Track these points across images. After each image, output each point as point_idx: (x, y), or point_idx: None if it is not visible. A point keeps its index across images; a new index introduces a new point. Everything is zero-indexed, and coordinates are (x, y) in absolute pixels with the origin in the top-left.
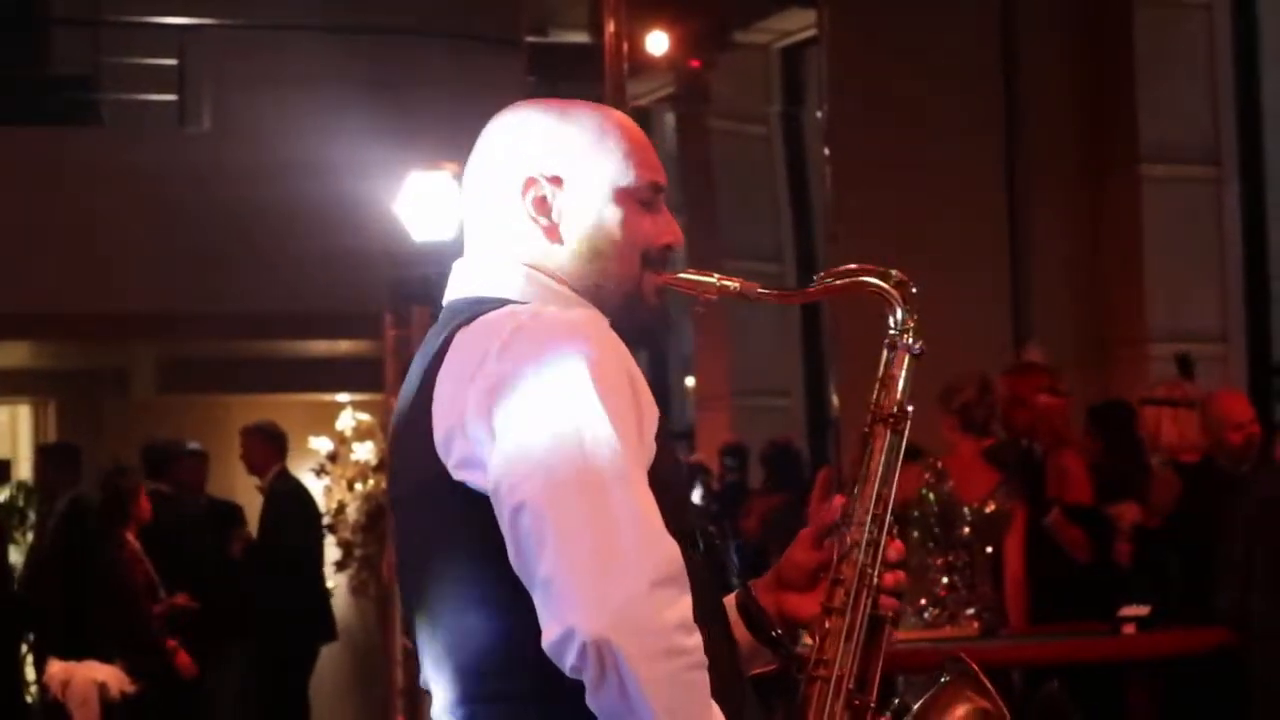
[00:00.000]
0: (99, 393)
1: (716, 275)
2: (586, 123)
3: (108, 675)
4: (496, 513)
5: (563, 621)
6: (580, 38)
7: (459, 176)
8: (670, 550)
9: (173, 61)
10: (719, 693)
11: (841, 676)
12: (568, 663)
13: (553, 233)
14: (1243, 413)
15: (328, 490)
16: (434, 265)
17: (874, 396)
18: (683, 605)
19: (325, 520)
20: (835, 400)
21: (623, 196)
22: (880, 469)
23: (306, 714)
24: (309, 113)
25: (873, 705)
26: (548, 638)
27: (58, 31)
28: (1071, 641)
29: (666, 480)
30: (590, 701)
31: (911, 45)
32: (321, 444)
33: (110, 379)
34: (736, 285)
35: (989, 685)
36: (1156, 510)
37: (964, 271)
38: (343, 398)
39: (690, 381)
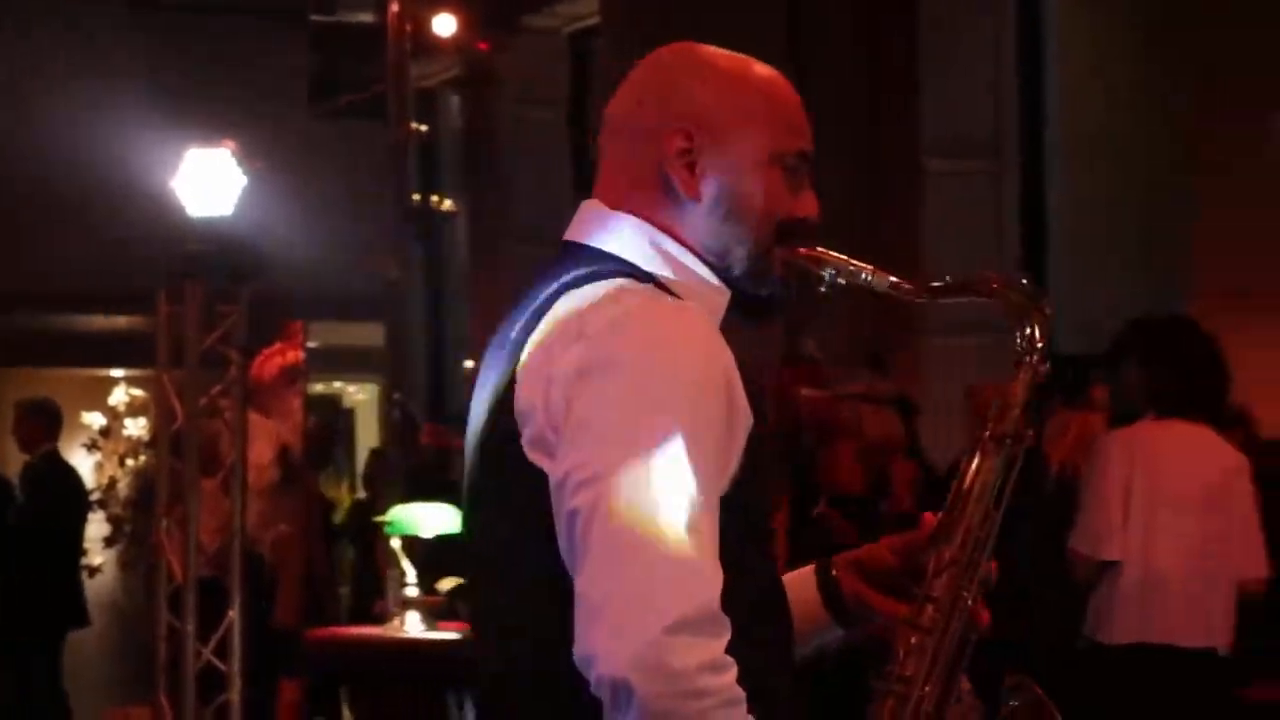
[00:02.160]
0: None
1: (851, 260)
2: (746, 79)
3: None
4: (554, 503)
5: (586, 645)
6: (366, 17)
7: (238, 153)
8: (706, 593)
9: None
10: (770, 686)
11: (921, 698)
12: (590, 682)
13: (691, 188)
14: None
15: (99, 466)
16: (210, 242)
17: (991, 412)
18: (709, 648)
19: (96, 496)
20: None
21: (770, 162)
22: (987, 489)
23: (63, 698)
24: (88, 89)
25: None
26: (577, 650)
27: None
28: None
29: (744, 501)
30: None
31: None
32: (94, 419)
33: None
34: (868, 270)
35: (1050, 704)
36: (898, 500)
37: None
38: (117, 373)
39: (468, 364)
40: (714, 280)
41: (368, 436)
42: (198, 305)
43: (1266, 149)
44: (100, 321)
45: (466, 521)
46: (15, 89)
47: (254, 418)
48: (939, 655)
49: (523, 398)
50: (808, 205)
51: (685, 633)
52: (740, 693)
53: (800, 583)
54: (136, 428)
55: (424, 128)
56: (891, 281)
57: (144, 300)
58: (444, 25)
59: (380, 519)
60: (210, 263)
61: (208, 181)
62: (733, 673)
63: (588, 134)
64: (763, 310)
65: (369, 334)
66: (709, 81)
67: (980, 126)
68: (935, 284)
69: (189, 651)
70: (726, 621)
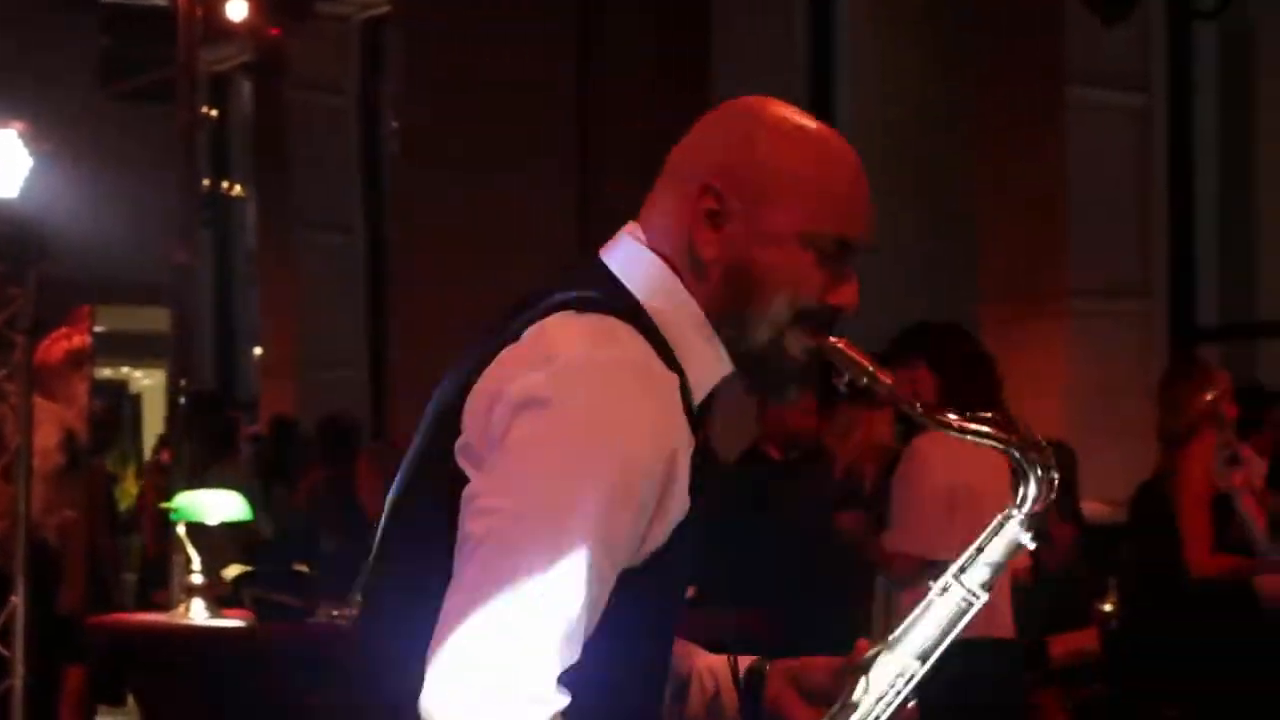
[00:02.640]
0: None
1: (872, 366)
2: (804, 149)
3: None
4: (460, 512)
5: (427, 661)
6: (158, 1)
7: (25, 134)
8: (543, 678)
9: None
10: None
11: None
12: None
13: (707, 249)
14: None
15: None
16: None
17: (964, 556)
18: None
19: None
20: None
21: (801, 241)
22: (931, 632)
23: None
24: None
25: None
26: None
27: None
28: None
29: (658, 580)
30: None
31: (486, 28)
32: None
33: None
34: (884, 386)
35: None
36: None
37: (530, 254)
38: None
39: (257, 351)
40: (717, 354)
41: (154, 422)
42: None
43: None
44: None
45: (391, 504)
46: None
47: (39, 402)
48: None
49: (472, 401)
50: (843, 295)
51: (494, 706)
52: None
53: (724, 668)
54: None
55: (214, 112)
56: (900, 402)
57: None
58: (236, 10)
59: (166, 505)
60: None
61: None
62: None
63: (377, 122)
64: (778, 388)
65: (157, 319)
66: (763, 143)
67: None
68: (948, 415)
69: None
70: (555, 701)
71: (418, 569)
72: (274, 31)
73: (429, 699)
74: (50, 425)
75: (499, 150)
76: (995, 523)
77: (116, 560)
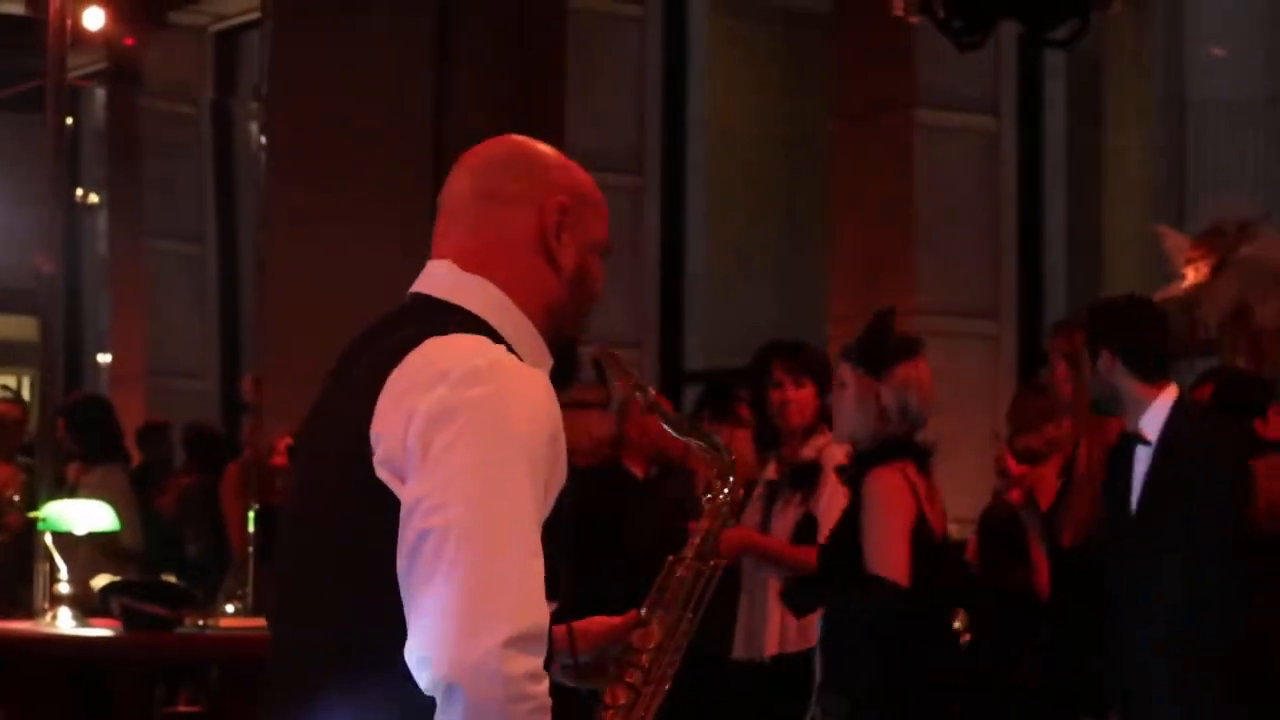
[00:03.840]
0: None
1: (636, 375)
2: (584, 174)
3: None
4: (401, 523)
5: (425, 649)
6: (16, 8)
7: None
8: (539, 615)
9: None
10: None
11: None
12: (422, 681)
13: (559, 255)
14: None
15: None
16: None
17: (694, 543)
18: (533, 661)
19: None
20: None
21: (600, 248)
22: (691, 593)
23: None
24: None
25: None
26: (411, 652)
27: None
28: None
29: (554, 533)
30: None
31: (346, 40)
32: None
33: None
34: (649, 396)
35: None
36: None
37: (401, 274)
38: None
39: (105, 358)
40: (544, 352)
41: None
42: None
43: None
44: None
45: (293, 521)
46: None
47: None
48: (642, 711)
49: (379, 424)
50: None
51: (517, 647)
52: (549, 701)
53: None
54: None
55: (69, 120)
56: (651, 407)
57: None
58: (93, 19)
59: (33, 514)
60: None
61: None
62: (546, 683)
63: (230, 132)
64: (568, 377)
65: (20, 327)
66: (567, 171)
67: (623, 141)
68: (679, 420)
69: None
70: (547, 640)
71: (346, 571)
72: (129, 41)
73: (462, 675)
74: None
75: (360, 174)
76: (709, 509)
77: None
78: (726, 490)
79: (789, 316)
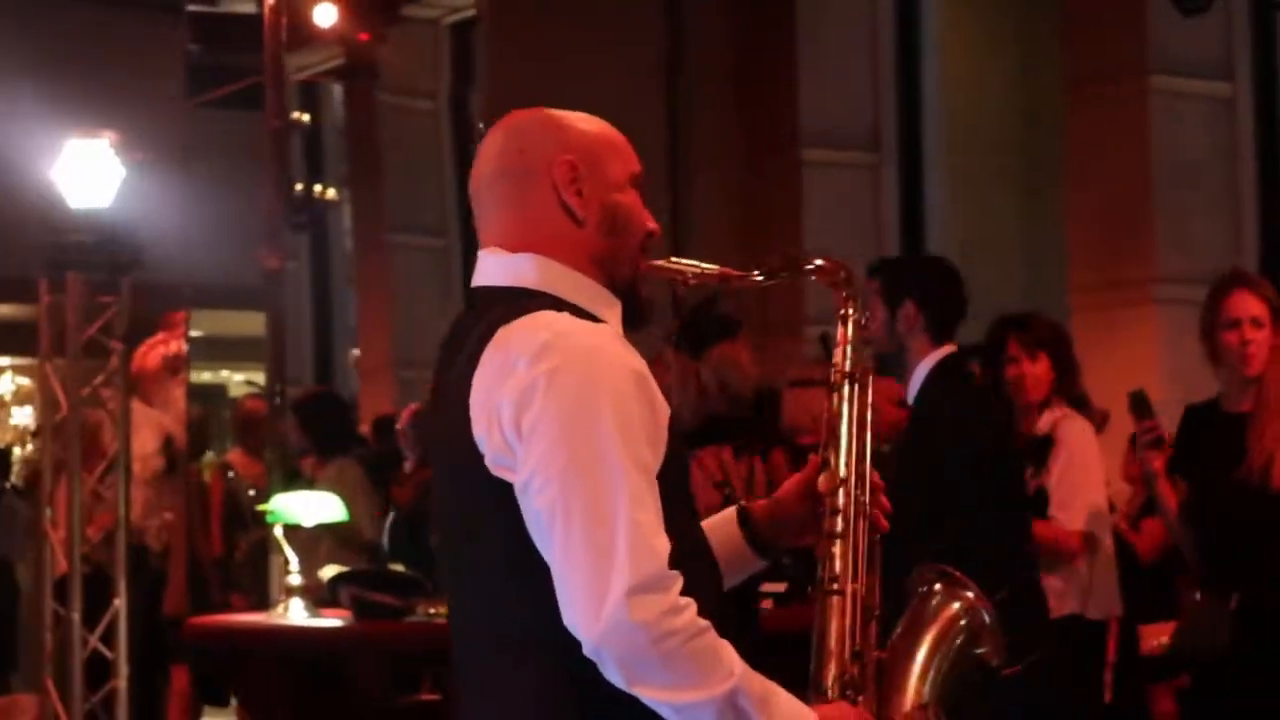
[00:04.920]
0: None
1: (700, 264)
2: (588, 121)
3: None
4: (522, 506)
5: (568, 618)
6: (246, 7)
7: (117, 144)
8: (654, 560)
9: None
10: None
11: (856, 590)
12: (582, 647)
13: (579, 210)
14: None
15: None
16: (90, 232)
17: (835, 359)
18: (663, 600)
19: None
20: None
21: (631, 182)
22: (852, 416)
23: None
24: None
25: (877, 613)
26: (565, 619)
27: None
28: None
29: (672, 474)
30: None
31: (576, 29)
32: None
33: None
34: (715, 271)
35: (971, 582)
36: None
37: None
38: (3, 361)
39: (355, 352)
40: (609, 297)
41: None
42: (78, 296)
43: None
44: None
45: (445, 528)
46: None
47: (138, 407)
48: (858, 553)
49: (478, 427)
50: (651, 220)
51: (639, 594)
52: (703, 623)
53: (723, 526)
54: (23, 416)
55: (306, 117)
56: (733, 278)
57: (24, 288)
58: (325, 15)
59: (262, 508)
60: (90, 253)
61: (87, 172)
62: (691, 610)
63: (468, 124)
64: (639, 317)
65: (254, 323)
66: (568, 127)
67: (859, 117)
68: (770, 270)
69: (75, 640)
70: (675, 575)
71: (494, 566)
72: (363, 37)
73: (602, 637)
74: (149, 430)
75: None
76: (844, 327)
77: (226, 559)
78: (853, 305)
79: (1031, 288)
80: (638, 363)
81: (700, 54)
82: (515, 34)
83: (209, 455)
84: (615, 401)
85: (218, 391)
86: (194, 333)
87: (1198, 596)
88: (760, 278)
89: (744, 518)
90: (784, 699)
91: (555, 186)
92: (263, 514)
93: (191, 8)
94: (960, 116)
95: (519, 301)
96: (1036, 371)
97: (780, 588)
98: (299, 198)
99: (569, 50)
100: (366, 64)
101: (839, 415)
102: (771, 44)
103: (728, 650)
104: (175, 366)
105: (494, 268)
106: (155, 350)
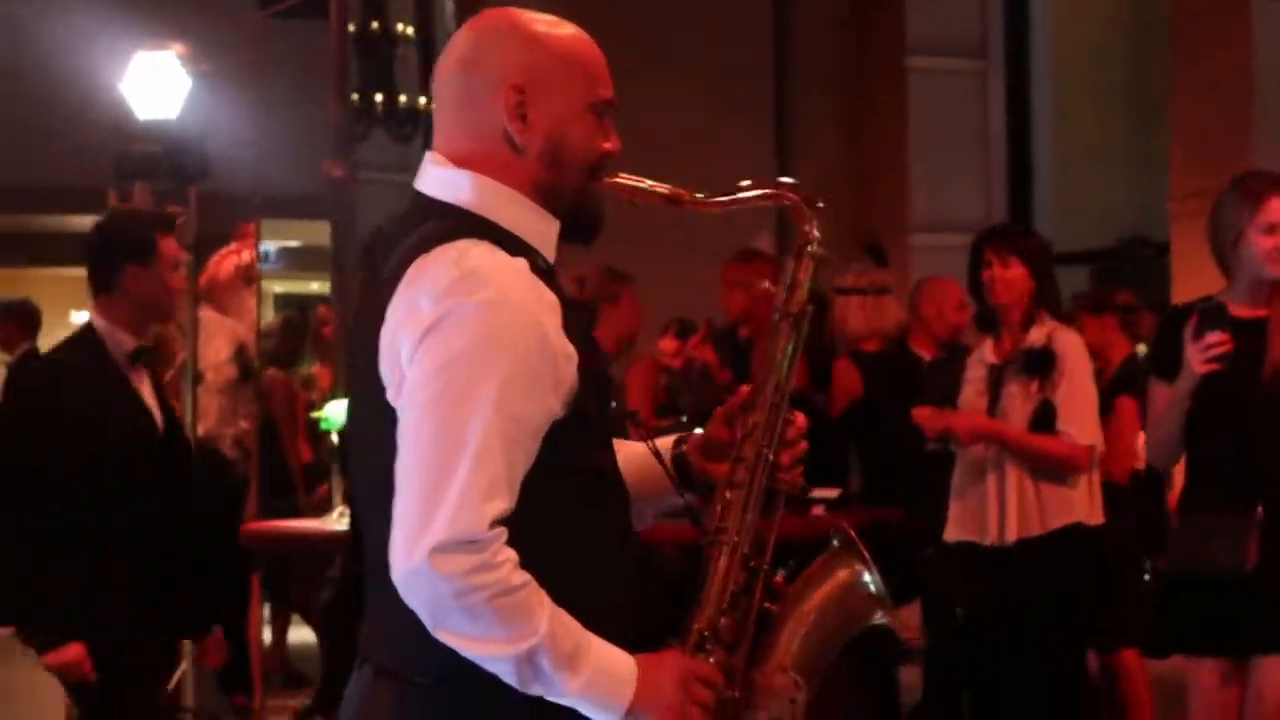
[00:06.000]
0: None
1: (649, 182)
2: (560, 38)
3: None
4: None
5: (390, 553)
6: None
7: (183, 56)
8: (476, 519)
9: None
10: (612, 565)
11: (738, 543)
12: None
13: (520, 138)
14: (958, 294)
15: None
16: (157, 143)
17: (782, 296)
18: (471, 559)
19: None
20: None
21: (586, 111)
22: (782, 359)
23: None
24: None
25: (765, 568)
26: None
27: None
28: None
29: (585, 405)
30: None
31: None
32: (84, 318)
33: None
34: (665, 191)
35: (865, 552)
36: (836, 399)
37: (729, 160)
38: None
39: None
40: (545, 216)
41: None
42: (145, 206)
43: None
44: (88, 220)
45: (353, 448)
46: None
47: (212, 316)
48: (748, 504)
49: (384, 361)
50: (615, 142)
51: (447, 551)
52: (517, 580)
53: (640, 455)
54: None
55: (375, 25)
56: (685, 199)
57: (97, 198)
58: None
59: (316, 414)
60: (158, 164)
61: (155, 84)
62: (506, 568)
63: None
64: (586, 233)
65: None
66: (530, 44)
67: (966, 25)
68: (724, 194)
69: None
70: (494, 536)
71: (380, 490)
72: None
73: (405, 578)
74: (222, 339)
75: (697, 74)
76: (800, 262)
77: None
78: (815, 239)
79: (1136, 197)
80: (546, 306)
81: None
82: None
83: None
84: (505, 351)
85: (301, 300)
86: (290, 242)
87: (1213, 515)
88: (720, 200)
89: (677, 449)
90: (597, 656)
91: (500, 110)
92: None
93: None
94: (1067, 25)
95: (446, 222)
96: (1008, 276)
97: (832, 493)
98: (403, 110)
99: None
100: None
101: (770, 354)
102: None
103: (540, 609)
104: (248, 276)
105: (435, 178)
106: (228, 259)
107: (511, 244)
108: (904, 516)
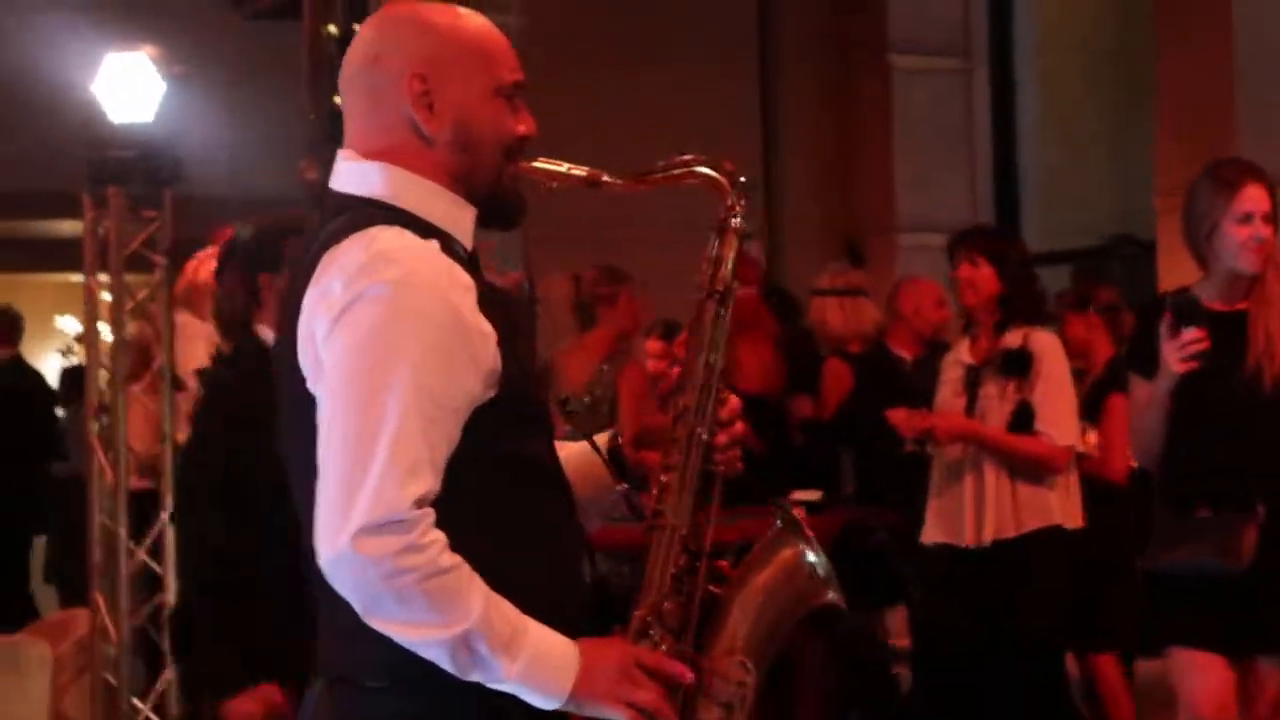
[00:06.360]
0: None
1: (566, 165)
2: (460, 27)
3: None
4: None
5: (315, 536)
6: None
7: (157, 58)
8: (398, 500)
9: None
10: (553, 553)
11: (677, 526)
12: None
13: (432, 125)
14: (937, 292)
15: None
16: (131, 147)
17: (705, 274)
18: (397, 540)
19: None
20: None
21: (495, 94)
22: (709, 338)
23: (31, 600)
24: None
25: (706, 551)
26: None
27: None
28: (741, 523)
29: (512, 387)
30: None
31: None
32: (68, 324)
33: None
34: (583, 173)
35: (809, 531)
36: (828, 400)
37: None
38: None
39: None
40: (460, 202)
41: None
42: (120, 211)
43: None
44: (75, 226)
45: (284, 447)
46: None
47: (191, 321)
48: (684, 488)
49: (301, 350)
50: (528, 125)
51: (371, 533)
52: (447, 563)
53: (580, 454)
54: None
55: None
56: (604, 180)
57: (71, 203)
58: None
59: None
60: (132, 168)
61: (128, 86)
62: (434, 549)
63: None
64: (507, 218)
65: None
66: (430, 33)
67: (948, 23)
68: (643, 172)
69: (122, 554)
70: (419, 516)
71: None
72: None
73: (330, 565)
74: (203, 343)
75: (684, 62)
76: (723, 238)
77: None
78: (739, 214)
79: (1124, 195)
80: (459, 285)
81: None
82: None
83: None
84: (419, 331)
85: None
86: None
87: (1206, 513)
88: (638, 178)
89: (613, 440)
90: (536, 640)
91: (404, 101)
92: None
93: None
94: (1052, 21)
95: (362, 213)
96: (976, 277)
97: (814, 495)
98: (335, 111)
99: None
100: None
101: (697, 335)
102: None
103: (473, 593)
104: None
105: (346, 174)
106: (206, 264)
107: (423, 229)
108: (889, 518)
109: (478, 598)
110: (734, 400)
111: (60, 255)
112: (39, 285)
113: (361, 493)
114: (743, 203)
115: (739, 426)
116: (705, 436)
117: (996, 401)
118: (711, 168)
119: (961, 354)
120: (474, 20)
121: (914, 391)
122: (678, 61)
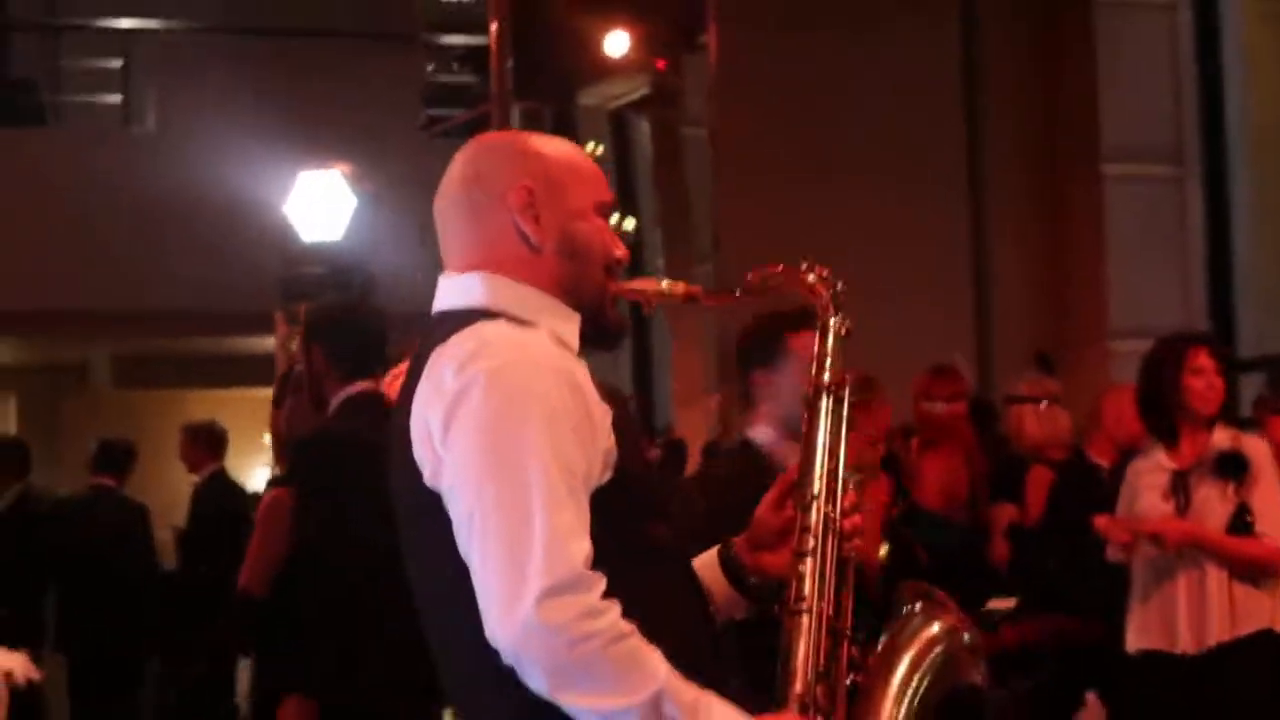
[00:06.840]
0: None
1: (666, 281)
2: (557, 146)
3: (14, 663)
4: (451, 514)
5: (488, 626)
6: (479, 39)
7: (349, 175)
8: (566, 563)
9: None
10: (681, 641)
11: (822, 610)
12: (502, 658)
13: (536, 235)
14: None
15: None
16: (323, 263)
17: (813, 372)
18: (579, 602)
19: None
20: None
21: (596, 210)
22: (827, 431)
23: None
24: (203, 117)
25: (849, 632)
26: (485, 628)
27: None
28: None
29: (629, 470)
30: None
31: (867, 53)
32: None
33: (70, 373)
34: (681, 290)
35: (951, 603)
36: (1031, 507)
37: (927, 270)
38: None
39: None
40: (565, 310)
41: None
42: None
43: None
44: (260, 343)
45: (410, 565)
46: (135, 120)
47: None
48: (826, 573)
49: (417, 447)
50: (620, 246)
51: (553, 596)
52: (626, 627)
53: (707, 565)
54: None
55: (599, 149)
56: (697, 297)
57: (264, 321)
58: (616, 44)
59: None
60: (322, 284)
61: (320, 204)
62: (612, 614)
63: None
64: (608, 338)
65: None
66: (530, 151)
67: (1161, 131)
68: (738, 286)
69: None
70: (594, 577)
71: (441, 588)
72: (660, 64)
73: (516, 641)
74: None
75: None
76: (823, 338)
77: None
78: (834, 314)
79: None
80: (571, 365)
81: (999, 69)
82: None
83: None
84: (540, 403)
85: None
86: None
87: None
88: (732, 293)
89: (726, 552)
90: (719, 708)
91: (511, 212)
92: None
93: (425, 38)
94: (1265, 129)
95: (458, 320)
96: (1218, 382)
97: (1009, 604)
98: None
99: (864, 64)
100: (669, 93)
101: (815, 429)
102: (1072, 59)
103: (654, 655)
104: None
105: (446, 290)
106: (399, 380)
107: (526, 325)
108: (1083, 626)
109: (659, 661)
110: (852, 495)
111: (262, 371)
112: (245, 401)
113: (531, 561)
114: (838, 306)
115: (858, 518)
116: (839, 524)
117: (1217, 504)
118: (804, 277)
119: (1159, 459)
120: (566, 144)
121: (1114, 499)
122: (888, 170)
